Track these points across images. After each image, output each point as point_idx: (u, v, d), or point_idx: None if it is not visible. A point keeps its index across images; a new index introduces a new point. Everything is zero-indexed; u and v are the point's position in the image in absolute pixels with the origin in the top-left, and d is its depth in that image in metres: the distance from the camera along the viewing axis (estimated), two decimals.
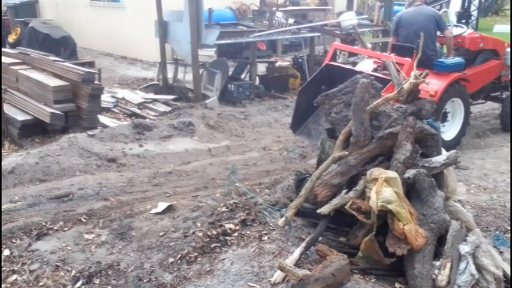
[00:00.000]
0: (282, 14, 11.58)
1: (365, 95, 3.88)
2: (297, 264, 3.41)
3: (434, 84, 6.21)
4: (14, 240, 4.09)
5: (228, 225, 4.02)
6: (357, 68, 6.90)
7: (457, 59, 6.77)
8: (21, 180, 5.54)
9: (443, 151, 4.00)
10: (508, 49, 7.65)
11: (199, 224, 4.07)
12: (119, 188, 5.36)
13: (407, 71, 5.17)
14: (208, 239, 3.85)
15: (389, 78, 5.03)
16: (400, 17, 7.07)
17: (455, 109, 6.84)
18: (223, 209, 4.21)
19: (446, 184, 3.89)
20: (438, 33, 6.84)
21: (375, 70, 6.61)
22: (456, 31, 7.32)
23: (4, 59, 8.54)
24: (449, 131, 6.83)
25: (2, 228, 4.26)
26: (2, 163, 5.77)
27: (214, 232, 3.92)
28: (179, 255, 3.72)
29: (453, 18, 8.35)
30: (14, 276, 3.64)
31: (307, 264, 3.49)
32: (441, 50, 7.30)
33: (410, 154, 3.67)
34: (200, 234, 3.89)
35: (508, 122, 7.58)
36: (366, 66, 7.05)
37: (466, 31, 7.51)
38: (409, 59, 5.96)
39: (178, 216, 4.37)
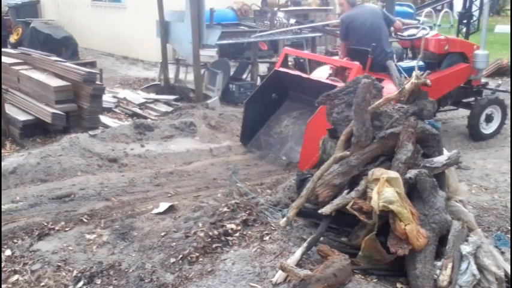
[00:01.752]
0: (284, 14, 11.58)
1: (366, 95, 3.88)
2: (299, 264, 3.41)
3: (389, 90, 5.26)
4: (15, 241, 4.09)
5: (230, 226, 4.02)
6: (313, 73, 6.60)
7: (415, 63, 6.39)
8: (22, 181, 5.54)
9: (445, 151, 4.00)
10: (477, 51, 7.23)
11: (200, 224, 4.07)
12: (121, 188, 5.35)
13: (354, 75, 4.97)
14: (209, 239, 3.85)
15: (338, 84, 4.96)
16: (347, 20, 6.66)
17: None
18: (225, 209, 4.21)
19: (447, 184, 3.88)
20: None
21: (330, 76, 6.33)
22: (421, 33, 6.87)
23: (5, 59, 8.55)
24: None
25: (4, 228, 4.26)
26: (4, 163, 5.77)
27: (215, 232, 3.92)
28: (181, 256, 3.72)
29: (453, 18, 8.27)
30: (16, 277, 3.64)
31: (309, 264, 3.48)
32: (398, 50, 7.13)
33: (411, 154, 3.67)
34: (202, 234, 3.89)
35: (476, 133, 7.33)
36: (321, 72, 6.71)
37: (429, 33, 6.98)
38: (357, 63, 5.75)
39: (180, 216, 4.37)
